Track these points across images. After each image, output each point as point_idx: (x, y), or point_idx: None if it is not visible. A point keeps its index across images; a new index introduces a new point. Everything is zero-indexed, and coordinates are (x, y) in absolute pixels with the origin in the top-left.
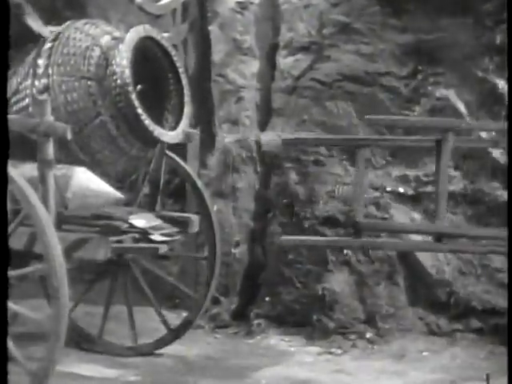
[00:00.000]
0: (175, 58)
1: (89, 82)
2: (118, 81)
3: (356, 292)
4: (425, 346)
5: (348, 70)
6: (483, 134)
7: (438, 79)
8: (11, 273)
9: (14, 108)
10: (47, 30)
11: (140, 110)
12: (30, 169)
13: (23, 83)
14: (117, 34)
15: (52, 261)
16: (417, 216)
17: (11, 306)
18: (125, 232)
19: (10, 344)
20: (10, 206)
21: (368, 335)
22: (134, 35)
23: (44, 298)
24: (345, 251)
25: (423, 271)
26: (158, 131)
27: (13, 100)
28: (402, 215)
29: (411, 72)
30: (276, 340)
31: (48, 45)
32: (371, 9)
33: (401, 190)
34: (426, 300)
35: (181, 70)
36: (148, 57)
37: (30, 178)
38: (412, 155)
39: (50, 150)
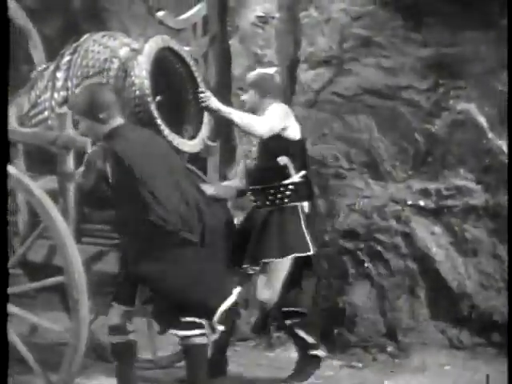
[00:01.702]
0: (194, 68)
1: None
2: (137, 92)
3: (377, 305)
4: (446, 359)
5: (369, 83)
6: (504, 147)
7: (459, 93)
8: (31, 285)
9: (33, 121)
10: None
11: (159, 121)
12: (49, 181)
13: (42, 96)
14: (135, 45)
15: (72, 273)
16: (437, 230)
17: (31, 317)
18: None
19: (30, 356)
20: (28, 218)
21: (389, 349)
22: (152, 46)
23: (64, 310)
24: (365, 264)
25: (444, 285)
26: (178, 141)
27: (32, 113)
28: (422, 229)
29: (432, 85)
30: (296, 353)
31: (67, 58)
32: (392, 23)
33: (422, 203)
34: (447, 314)
35: (199, 79)
36: (167, 67)
37: (50, 190)
38: (433, 168)
39: (70, 162)
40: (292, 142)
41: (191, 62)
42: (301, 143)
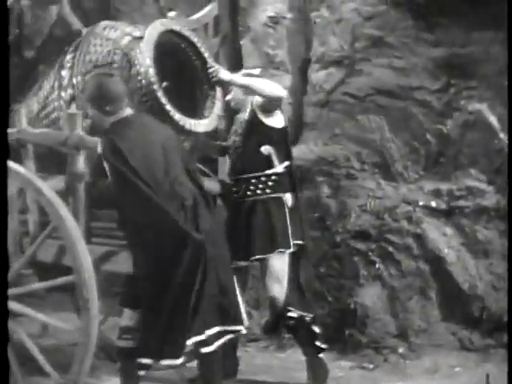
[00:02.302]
0: (199, 45)
1: None
2: (143, 81)
3: (388, 306)
4: (457, 361)
5: (380, 83)
6: None
7: (471, 93)
8: (40, 284)
9: (44, 122)
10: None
11: (168, 107)
12: (59, 181)
13: (50, 96)
14: (137, 33)
15: (82, 273)
16: (449, 231)
17: (41, 317)
18: None
19: (40, 356)
20: (38, 218)
21: (400, 350)
22: (152, 32)
23: (73, 311)
24: (377, 265)
25: (456, 286)
26: (190, 123)
27: (42, 114)
28: (434, 230)
29: (444, 86)
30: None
31: (70, 55)
32: (404, 23)
33: (433, 204)
34: (458, 315)
35: (206, 55)
36: (173, 50)
37: (59, 190)
38: (445, 169)
39: (80, 163)
40: (276, 130)
41: (195, 39)
42: (284, 131)
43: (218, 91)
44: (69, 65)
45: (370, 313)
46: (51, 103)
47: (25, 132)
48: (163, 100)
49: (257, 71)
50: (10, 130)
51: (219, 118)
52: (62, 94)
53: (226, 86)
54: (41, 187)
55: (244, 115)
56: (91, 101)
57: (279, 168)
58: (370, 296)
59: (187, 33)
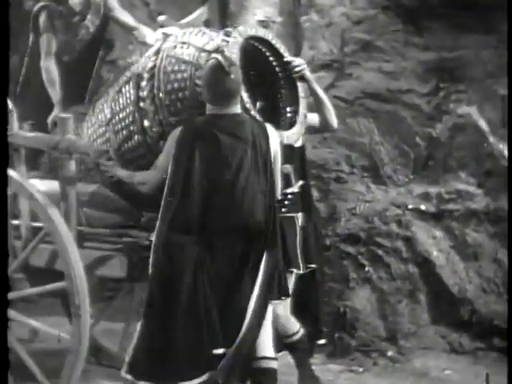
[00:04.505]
0: (274, 41)
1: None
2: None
3: (377, 310)
4: (447, 364)
5: (370, 87)
6: (505, 151)
7: (460, 96)
8: (32, 290)
9: (120, 135)
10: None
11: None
12: (51, 185)
13: (125, 109)
14: (210, 46)
15: (74, 278)
16: (438, 234)
17: (32, 322)
18: (146, 249)
19: (31, 361)
20: (30, 222)
21: (389, 353)
22: (234, 46)
23: (65, 315)
24: (366, 268)
25: (445, 289)
26: (285, 136)
27: (118, 127)
28: (423, 233)
29: (433, 89)
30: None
31: (150, 64)
32: (393, 27)
33: (423, 207)
34: (448, 318)
35: (282, 50)
36: (251, 53)
37: (51, 194)
38: (434, 172)
39: (72, 167)
40: (295, 148)
41: (270, 37)
42: (302, 150)
43: (300, 87)
44: (148, 75)
45: (360, 316)
46: (128, 116)
47: (17, 136)
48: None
49: None
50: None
51: (305, 118)
52: (141, 104)
53: (305, 84)
54: (33, 192)
55: None
56: (207, 85)
57: (295, 187)
58: (360, 299)
59: (262, 33)
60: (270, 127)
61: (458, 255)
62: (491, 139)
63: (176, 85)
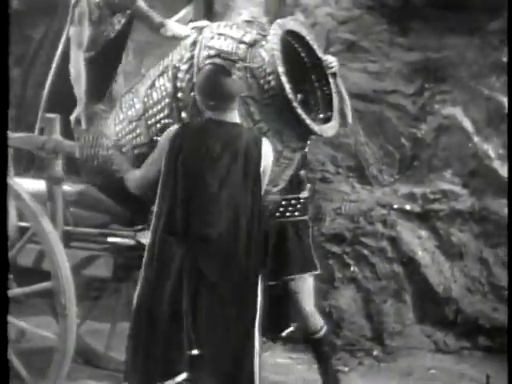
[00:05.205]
0: (308, 38)
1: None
2: (277, 94)
3: (363, 309)
4: (432, 363)
5: (355, 88)
6: (490, 151)
7: (445, 97)
8: (18, 290)
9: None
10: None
11: (308, 121)
12: (37, 185)
13: (162, 101)
14: (247, 38)
15: (60, 278)
16: (423, 234)
17: (18, 322)
18: (132, 249)
19: (16, 361)
20: (17, 222)
21: (375, 353)
22: (275, 37)
23: (52, 315)
24: (352, 268)
25: (430, 289)
26: (323, 130)
27: (151, 121)
28: (408, 232)
29: (418, 90)
30: (283, 357)
31: (188, 55)
32: (378, 27)
33: (408, 207)
34: (433, 317)
35: (315, 46)
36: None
37: (37, 193)
38: (419, 173)
39: (59, 167)
40: (305, 154)
41: (305, 33)
42: (305, 155)
43: (333, 84)
44: (185, 67)
45: (345, 315)
46: (163, 109)
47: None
48: (304, 116)
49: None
50: None
51: (340, 115)
52: (179, 95)
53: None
54: (20, 192)
55: None
56: (199, 91)
57: (307, 191)
58: (345, 299)
59: (299, 28)
60: (265, 141)
61: (443, 255)
62: (476, 139)
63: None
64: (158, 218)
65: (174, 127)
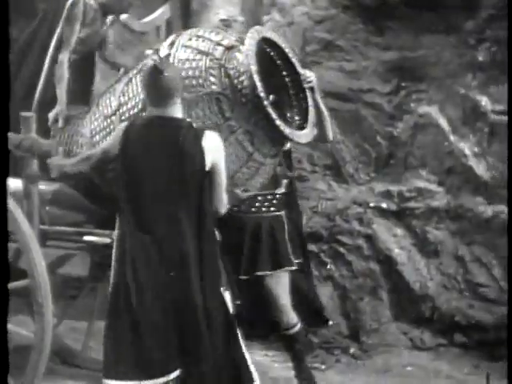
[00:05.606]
0: (287, 50)
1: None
2: (249, 95)
3: (339, 307)
4: (409, 360)
5: (331, 86)
6: (465, 150)
7: (421, 96)
8: None
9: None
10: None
11: (279, 122)
12: (14, 183)
13: (136, 97)
14: (225, 41)
15: (36, 277)
16: (400, 231)
17: None
18: (109, 248)
19: None
20: None
21: (352, 350)
22: (251, 41)
23: (29, 314)
24: (328, 266)
25: (407, 286)
26: (297, 135)
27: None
28: (384, 230)
29: (394, 89)
30: (260, 355)
31: (165, 52)
32: (354, 26)
33: (384, 205)
34: (409, 315)
35: (294, 60)
36: (263, 57)
37: (13, 192)
38: (395, 171)
39: (35, 165)
40: (285, 152)
41: (283, 45)
42: (289, 152)
43: (310, 97)
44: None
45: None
46: (137, 105)
47: None
48: (274, 115)
49: None
50: None
51: (314, 125)
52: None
53: (313, 96)
54: None
55: None
56: (144, 86)
57: (283, 188)
58: (322, 296)
59: (277, 38)
60: (210, 135)
61: (419, 252)
62: (452, 138)
63: (190, 72)
64: (119, 214)
65: (123, 124)
